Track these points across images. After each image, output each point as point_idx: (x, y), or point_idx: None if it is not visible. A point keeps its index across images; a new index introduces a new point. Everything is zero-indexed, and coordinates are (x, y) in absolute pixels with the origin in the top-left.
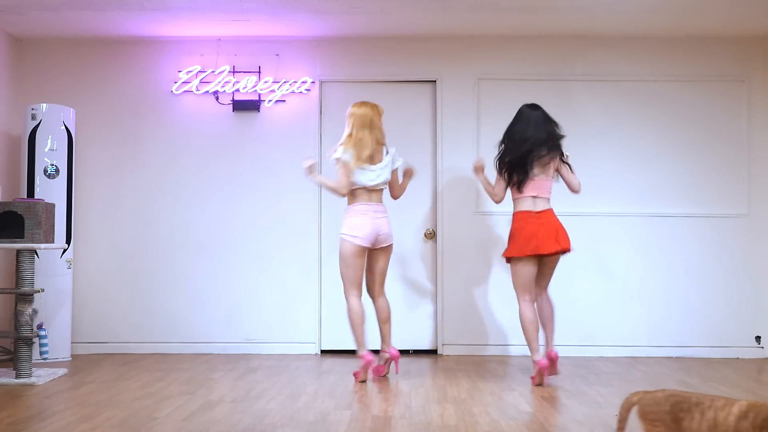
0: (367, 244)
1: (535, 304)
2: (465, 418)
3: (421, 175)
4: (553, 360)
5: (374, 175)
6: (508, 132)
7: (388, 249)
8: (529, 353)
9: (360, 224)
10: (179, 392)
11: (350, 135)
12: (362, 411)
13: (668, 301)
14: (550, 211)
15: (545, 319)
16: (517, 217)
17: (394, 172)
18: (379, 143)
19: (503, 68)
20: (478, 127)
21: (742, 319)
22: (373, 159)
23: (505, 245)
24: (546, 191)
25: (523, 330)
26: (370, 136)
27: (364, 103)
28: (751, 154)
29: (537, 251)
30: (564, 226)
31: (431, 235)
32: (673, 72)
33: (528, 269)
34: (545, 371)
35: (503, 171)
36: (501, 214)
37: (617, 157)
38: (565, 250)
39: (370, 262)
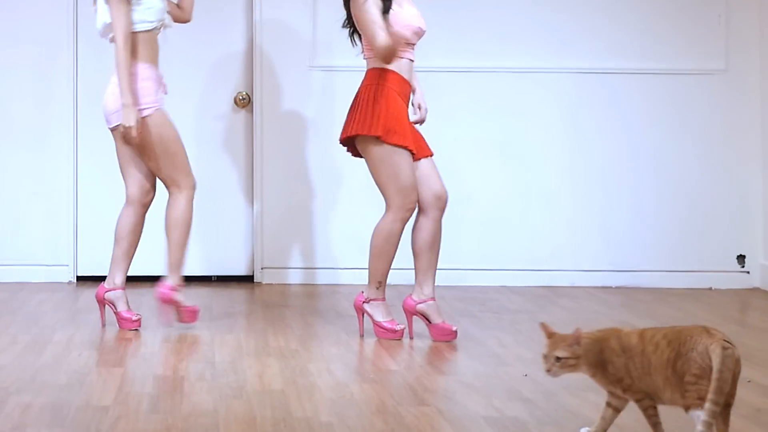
0: (108, 124)
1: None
2: (297, 379)
3: (231, 10)
4: (408, 311)
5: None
6: None
7: (117, 135)
8: (394, 282)
9: None
10: None
11: None
12: (140, 369)
13: (606, 202)
14: (367, 71)
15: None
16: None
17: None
18: None
19: None
20: None
21: (718, 230)
22: None
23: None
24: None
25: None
26: None
27: None
28: None
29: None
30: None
31: (245, 102)
32: None
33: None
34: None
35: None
36: (351, 70)
37: None
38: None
39: None
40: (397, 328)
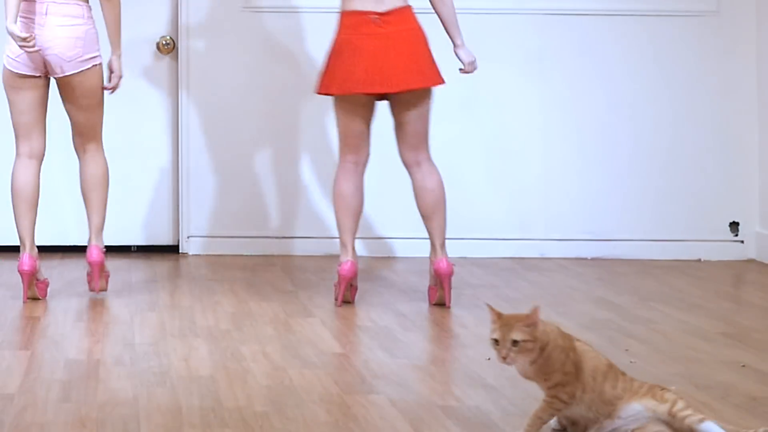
0: (28, 70)
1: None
2: (228, 363)
3: None
4: (441, 275)
5: None
6: None
7: (74, 82)
8: (335, 252)
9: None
10: None
11: None
12: (49, 352)
13: (580, 162)
14: (405, 10)
15: (424, 204)
16: (343, 24)
17: None
18: None
19: None
20: None
21: (707, 195)
22: None
23: (314, 63)
24: None
25: (334, 210)
26: None
27: None
28: None
29: (367, 88)
30: (425, 37)
31: (168, 48)
32: None
33: (351, 112)
34: (345, 282)
35: None
36: (290, 12)
37: None
38: (426, 87)
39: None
40: None
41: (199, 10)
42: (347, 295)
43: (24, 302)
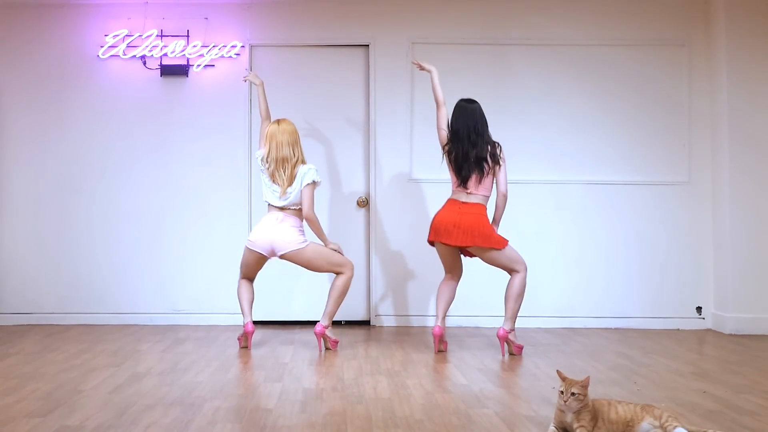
0: (259, 250)
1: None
2: (399, 390)
3: (354, 141)
4: (498, 337)
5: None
6: (450, 126)
7: (293, 255)
8: (463, 324)
9: (257, 228)
10: (105, 364)
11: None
12: (293, 383)
13: (607, 270)
14: (477, 205)
15: (507, 294)
16: (447, 202)
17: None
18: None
19: (438, 32)
20: (412, 93)
21: (683, 289)
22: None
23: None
24: (484, 188)
25: (436, 298)
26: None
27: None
28: (691, 120)
29: (441, 239)
30: (485, 225)
31: (364, 204)
32: (612, 36)
33: (440, 251)
34: (435, 339)
35: (451, 165)
36: (437, 182)
37: (555, 124)
38: (477, 246)
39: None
40: None
41: (382, 180)
42: (441, 346)
43: (240, 348)
